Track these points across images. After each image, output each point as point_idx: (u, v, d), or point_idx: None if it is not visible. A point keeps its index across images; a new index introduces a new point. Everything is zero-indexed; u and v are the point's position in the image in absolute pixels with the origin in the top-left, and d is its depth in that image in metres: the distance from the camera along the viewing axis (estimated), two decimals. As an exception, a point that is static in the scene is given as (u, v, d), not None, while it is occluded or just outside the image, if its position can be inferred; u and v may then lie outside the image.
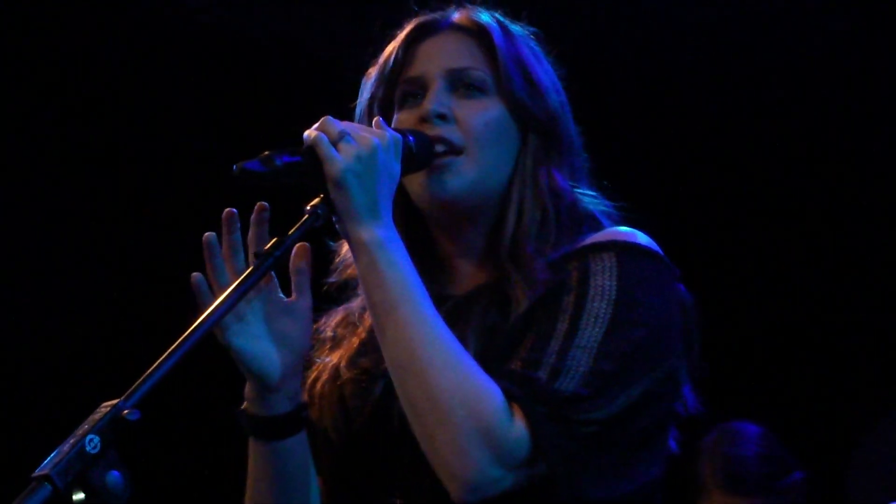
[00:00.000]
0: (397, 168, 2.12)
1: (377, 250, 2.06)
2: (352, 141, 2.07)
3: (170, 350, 1.86)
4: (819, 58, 4.54)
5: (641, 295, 2.10)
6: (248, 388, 2.20)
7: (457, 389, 2.00)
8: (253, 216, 2.15)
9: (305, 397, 2.26)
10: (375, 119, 2.18)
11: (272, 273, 2.15)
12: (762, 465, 4.04)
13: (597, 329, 2.06)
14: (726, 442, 4.07)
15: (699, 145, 4.78)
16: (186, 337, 1.89)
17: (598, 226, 2.23)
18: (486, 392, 2.01)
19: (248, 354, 2.15)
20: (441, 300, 2.16)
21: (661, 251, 2.18)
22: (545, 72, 2.29)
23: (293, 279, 2.20)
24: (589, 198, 2.27)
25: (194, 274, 2.14)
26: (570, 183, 2.26)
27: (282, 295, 2.20)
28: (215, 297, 2.02)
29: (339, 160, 2.05)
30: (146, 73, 4.70)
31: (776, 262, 4.88)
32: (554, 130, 2.26)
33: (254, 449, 2.22)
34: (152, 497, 4.68)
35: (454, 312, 2.17)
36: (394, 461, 2.15)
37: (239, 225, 2.16)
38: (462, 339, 2.08)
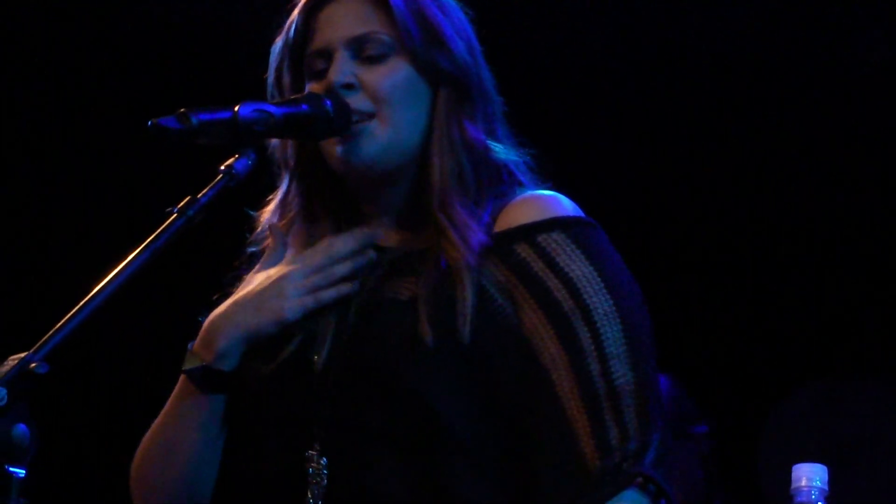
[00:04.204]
0: None
1: None
2: None
3: (80, 304, 1.86)
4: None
5: (625, 279, 2.13)
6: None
7: None
8: None
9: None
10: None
11: None
12: (672, 406, 4.07)
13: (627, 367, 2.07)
14: None
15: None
16: (98, 292, 1.88)
17: (512, 178, 2.24)
18: None
19: None
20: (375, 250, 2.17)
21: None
22: (451, 21, 2.26)
23: None
24: (502, 147, 2.27)
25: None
26: (485, 129, 2.25)
27: None
28: None
29: None
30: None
31: (692, 221, 4.90)
32: (464, 80, 2.24)
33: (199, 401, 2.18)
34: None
35: (398, 266, 2.16)
36: (312, 411, 2.13)
37: None
38: (415, 303, 2.08)
